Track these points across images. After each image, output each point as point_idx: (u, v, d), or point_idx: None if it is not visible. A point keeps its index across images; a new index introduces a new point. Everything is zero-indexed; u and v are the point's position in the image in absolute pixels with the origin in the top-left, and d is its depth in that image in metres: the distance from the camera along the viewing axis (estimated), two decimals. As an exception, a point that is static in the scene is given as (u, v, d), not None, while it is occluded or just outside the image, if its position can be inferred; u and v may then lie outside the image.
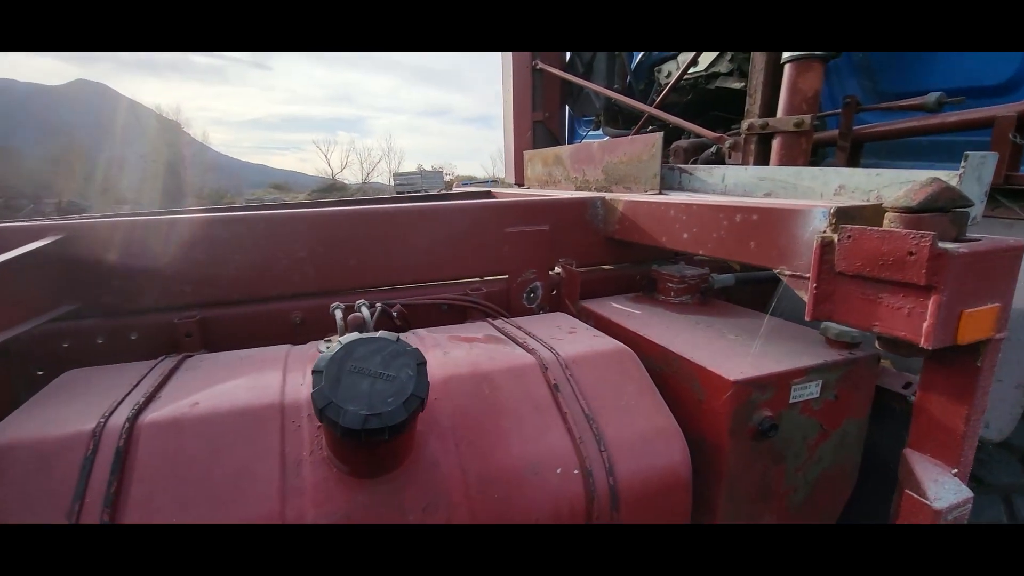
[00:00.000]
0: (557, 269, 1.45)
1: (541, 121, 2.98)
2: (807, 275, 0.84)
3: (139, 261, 1.11)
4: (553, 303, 1.45)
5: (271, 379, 0.89)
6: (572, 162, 2.01)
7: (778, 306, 1.50)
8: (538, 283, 1.40)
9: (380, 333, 0.72)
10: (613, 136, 2.66)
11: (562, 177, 2.11)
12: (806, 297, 0.84)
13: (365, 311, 1.12)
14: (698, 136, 2.03)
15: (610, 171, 1.73)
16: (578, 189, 1.98)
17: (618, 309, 1.32)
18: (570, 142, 3.20)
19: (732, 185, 1.45)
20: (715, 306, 1.33)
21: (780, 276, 0.93)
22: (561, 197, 1.47)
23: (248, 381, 0.88)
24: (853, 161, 1.60)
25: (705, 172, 1.54)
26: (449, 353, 0.97)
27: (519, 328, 1.15)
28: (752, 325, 1.17)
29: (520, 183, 2.83)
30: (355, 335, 0.71)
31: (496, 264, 1.37)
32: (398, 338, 0.71)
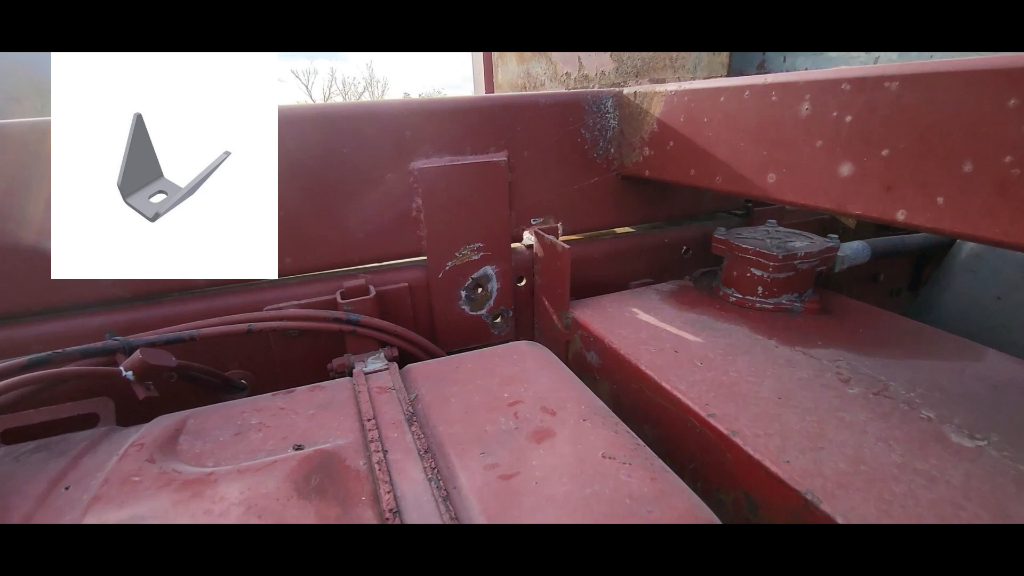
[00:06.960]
0: (528, 239, 0.76)
1: None
2: None
3: None
4: (520, 308, 0.78)
5: None
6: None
7: (938, 301, 0.81)
8: (490, 269, 0.72)
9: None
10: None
11: (547, 76, 1.35)
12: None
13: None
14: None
15: (628, 55, 0.98)
16: (572, 94, 1.22)
17: (651, 329, 0.64)
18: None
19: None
20: (848, 317, 0.65)
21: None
22: (531, 94, 0.74)
23: None
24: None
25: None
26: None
27: (410, 423, 0.49)
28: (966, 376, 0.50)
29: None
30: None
31: (401, 236, 0.68)
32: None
